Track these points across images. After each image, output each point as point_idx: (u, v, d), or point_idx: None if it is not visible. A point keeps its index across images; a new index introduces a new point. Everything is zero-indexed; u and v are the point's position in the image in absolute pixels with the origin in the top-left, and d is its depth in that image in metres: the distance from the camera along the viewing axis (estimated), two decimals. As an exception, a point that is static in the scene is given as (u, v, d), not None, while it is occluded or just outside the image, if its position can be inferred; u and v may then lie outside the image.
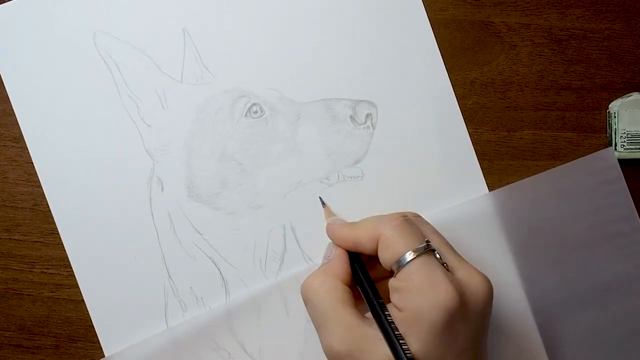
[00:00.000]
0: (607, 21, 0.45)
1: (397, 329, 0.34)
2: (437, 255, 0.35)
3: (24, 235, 0.44)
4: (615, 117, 0.43)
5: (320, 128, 0.43)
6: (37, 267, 0.44)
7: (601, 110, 0.45)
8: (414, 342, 0.33)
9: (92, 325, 0.43)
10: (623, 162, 0.44)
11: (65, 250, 0.43)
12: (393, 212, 0.39)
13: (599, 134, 0.45)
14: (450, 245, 0.37)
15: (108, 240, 0.43)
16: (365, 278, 0.37)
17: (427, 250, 0.35)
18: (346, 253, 0.38)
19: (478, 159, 0.44)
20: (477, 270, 0.36)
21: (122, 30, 0.44)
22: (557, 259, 0.43)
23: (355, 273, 0.38)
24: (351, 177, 0.43)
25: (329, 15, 0.44)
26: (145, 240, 0.43)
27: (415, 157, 0.44)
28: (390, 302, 0.36)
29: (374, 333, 0.34)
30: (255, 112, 0.43)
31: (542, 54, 0.45)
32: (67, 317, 0.43)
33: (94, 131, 0.43)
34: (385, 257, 0.35)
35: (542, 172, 0.44)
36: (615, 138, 0.43)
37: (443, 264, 0.35)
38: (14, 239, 0.44)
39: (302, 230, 0.43)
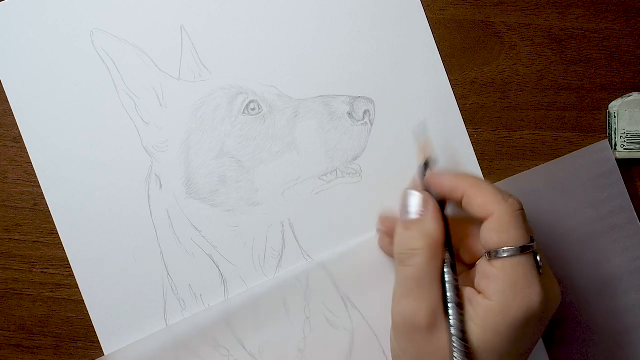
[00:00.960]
0: (607, 21, 0.45)
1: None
2: (539, 258, 0.35)
3: (24, 235, 0.44)
4: (615, 117, 0.43)
5: (318, 124, 0.43)
6: (37, 267, 0.44)
7: (601, 110, 0.45)
8: (492, 332, 0.33)
9: (92, 325, 0.43)
10: (623, 162, 0.44)
11: (65, 251, 0.43)
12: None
13: (598, 134, 0.45)
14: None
15: (106, 239, 0.43)
16: (450, 252, 0.36)
17: (531, 251, 0.34)
18: (442, 217, 0.36)
19: (478, 159, 0.44)
20: (556, 281, 0.36)
21: (119, 28, 0.44)
22: (555, 253, 0.43)
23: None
24: (349, 174, 0.43)
25: (326, 11, 0.44)
26: (143, 238, 0.43)
27: (413, 154, 0.44)
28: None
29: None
30: (253, 109, 0.43)
31: (542, 54, 0.45)
32: (67, 317, 0.43)
33: (91, 129, 0.43)
34: (492, 238, 0.34)
35: (538, 166, 0.44)
36: (615, 138, 0.43)
37: (539, 266, 0.34)
38: (14, 239, 0.44)
39: (301, 227, 0.43)
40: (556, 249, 0.44)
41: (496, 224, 0.34)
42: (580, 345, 0.43)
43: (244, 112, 0.43)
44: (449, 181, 0.36)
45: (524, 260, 0.34)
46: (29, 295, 0.44)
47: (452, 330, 0.33)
